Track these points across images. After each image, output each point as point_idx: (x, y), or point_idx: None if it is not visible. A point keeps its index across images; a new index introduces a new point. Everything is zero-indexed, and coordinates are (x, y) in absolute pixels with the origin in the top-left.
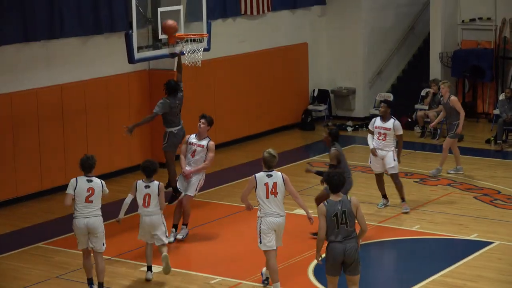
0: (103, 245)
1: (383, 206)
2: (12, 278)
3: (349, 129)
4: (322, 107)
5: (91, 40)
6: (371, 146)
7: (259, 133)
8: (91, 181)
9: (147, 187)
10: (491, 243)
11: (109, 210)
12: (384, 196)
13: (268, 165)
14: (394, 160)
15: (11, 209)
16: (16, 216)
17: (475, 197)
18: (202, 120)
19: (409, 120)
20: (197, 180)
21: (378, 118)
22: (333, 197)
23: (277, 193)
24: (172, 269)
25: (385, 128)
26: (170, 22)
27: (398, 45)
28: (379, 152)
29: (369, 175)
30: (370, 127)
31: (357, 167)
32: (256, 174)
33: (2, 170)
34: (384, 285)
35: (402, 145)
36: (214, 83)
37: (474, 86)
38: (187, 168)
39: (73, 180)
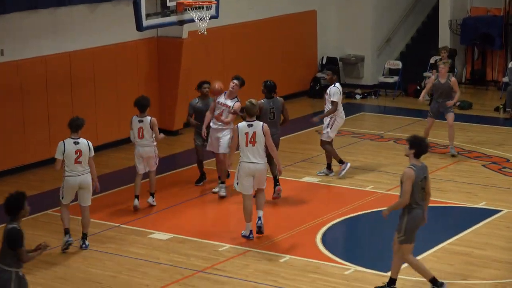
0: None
1: (322, 174)
2: None
3: (358, 97)
4: None
5: (99, 7)
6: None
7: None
8: (77, 143)
9: (140, 121)
10: (499, 211)
11: (119, 176)
12: (328, 165)
13: (249, 113)
14: (328, 127)
15: (20, 177)
16: (25, 184)
17: (483, 165)
18: (235, 81)
19: (418, 87)
20: (227, 137)
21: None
22: (417, 162)
23: (255, 142)
24: (182, 236)
25: (326, 93)
26: None
27: (407, 12)
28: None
29: (378, 143)
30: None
31: (365, 135)
32: (239, 124)
33: (11, 138)
34: (392, 253)
35: (331, 110)
36: (222, 51)
37: (483, 53)
38: (214, 126)
39: (60, 144)
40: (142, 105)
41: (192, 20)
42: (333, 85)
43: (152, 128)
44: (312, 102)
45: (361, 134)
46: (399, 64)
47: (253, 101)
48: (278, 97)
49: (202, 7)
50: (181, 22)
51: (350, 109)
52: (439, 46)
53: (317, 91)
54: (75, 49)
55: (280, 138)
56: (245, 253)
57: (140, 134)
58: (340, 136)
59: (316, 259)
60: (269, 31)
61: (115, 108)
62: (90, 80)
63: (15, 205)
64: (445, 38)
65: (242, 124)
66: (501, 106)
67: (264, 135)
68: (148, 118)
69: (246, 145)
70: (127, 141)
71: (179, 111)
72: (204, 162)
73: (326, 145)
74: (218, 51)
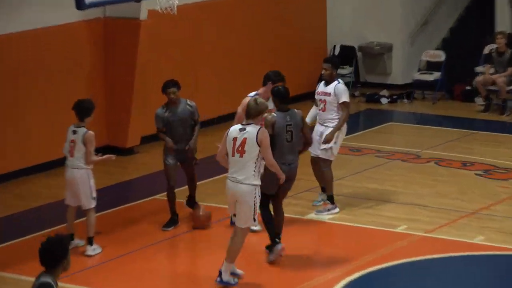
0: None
1: (320, 203)
2: None
3: (384, 101)
4: (346, 70)
5: None
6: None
7: None
8: (75, 132)
9: (74, 132)
10: None
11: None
12: (323, 189)
13: (248, 112)
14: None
15: None
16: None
17: None
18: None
19: (467, 88)
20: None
21: (321, 83)
22: None
23: (244, 152)
24: None
25: (325, 93)
26: None
27: None
28: (318, 127)
29: (413, 165)
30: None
31: (395, 154)
32: (231, 127)
33: None
34: None
35: (345, 117)
36: (197, 36)
37: None
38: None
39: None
40: (82, 109)
41: None
42: (336, 81)
43: (85, 144)
44: None
45: (389, 153)
46: (441, 56)
47: (259, 100)
48: (295, 109)
49: None
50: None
51: (373, 118)
52: (496, 31)
53: None
54: None
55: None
56: None
57: (71, 150)
58: (360, 155)
59: None
60: (262, 11)
61: (44, 118)
62: (11, 77)
63: (57, 253)
64: (504, 19)
65: (234, 128)
66: None
67: (259, 145)
68: (83, 130)
69: (232, 155)
70: (60, 163)
71: (135, 121)
72: (176, 191)
73: (327, 168)
74: (190, 37)
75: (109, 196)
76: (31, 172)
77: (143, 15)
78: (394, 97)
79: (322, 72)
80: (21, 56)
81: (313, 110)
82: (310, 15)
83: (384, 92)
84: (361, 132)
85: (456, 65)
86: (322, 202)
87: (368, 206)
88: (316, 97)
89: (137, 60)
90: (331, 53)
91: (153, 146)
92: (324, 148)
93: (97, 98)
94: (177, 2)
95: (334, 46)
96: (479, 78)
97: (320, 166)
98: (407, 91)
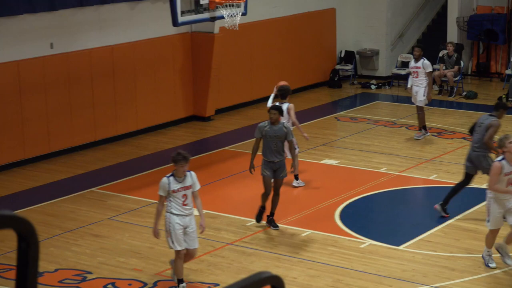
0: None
1: (421, 137)
2: (69, 219)
3: (373, 87)
4: (349, 67)
5: (139, 4)
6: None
7: (292, 90)
8: (181, 181)
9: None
10: None
11: (157, 158)
12: (424, 127)
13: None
14: (424, 95)
15: (68, 158)
16: (72, 164)
17: None
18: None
19: None
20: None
21: (412, 60)
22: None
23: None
24: (213, 212)
25: (417, 67)
26: None
27: (418, 10)
28: (414, 88)
29: (391, 128)
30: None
31: (380, 122)
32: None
33: (59, 122)
34: (404, 229)
35: (431, 82)
36: (250, 45)
37: (488, 48)
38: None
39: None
40: (285, 91)
41: (223, 17)
42: (422, 59)
43: (288, 112)
44: (331, 92)
45: (376, 121)
46: (410, 57)
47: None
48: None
49: (232, 5)
50: (213, 19)
51: (365, 98)
52: (447, 41)
53: (335, 81)
54: (117, 42)
55: (301, 124)
56: (269, 228)
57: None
58: (357, 122)
59: (335, 233)
60: (292, 27)
61: (153, 96)
62: (131, 71)
63: None
64: (453, 33)
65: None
66: (504, 96)
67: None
68: (286, 104)
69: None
70: (164, 126)
71: (211, 100)
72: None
73: (421, 111)
74: (246, 45)
75: (196, 147)
76: (145, 131)
77: (216, 30)
78: (380, 84)
79: (413, 53)
80: (135, 58)
81: (410, 79)
82: (325, 30)
83: (373, 81)
84: (358, 107)
85: None
86: (423, 136)
87: (361, 155)
88: (410, 70)
89: (213, 61)
90: (339, 56)
91: (223, 116)
92: (422, 100)
93: (187, 85)
94: (238, 22)
95: (341, 51)
96: (436, 73)
97: (418, 110)
98: (388, 80)
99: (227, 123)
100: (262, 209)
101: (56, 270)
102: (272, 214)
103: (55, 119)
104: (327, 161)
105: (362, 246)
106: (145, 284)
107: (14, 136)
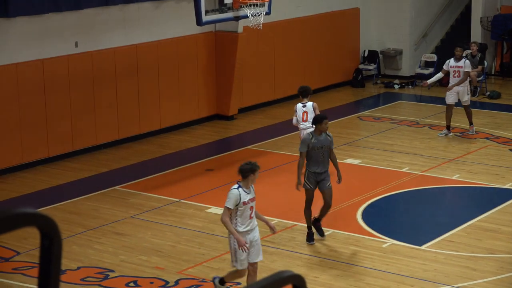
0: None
1: (443, 135)
2: (92, 217)
3: (396, 86)
4: (372, 66)
5: (163, 4)
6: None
7: (315, 89)
8: (304, 106)
9: (303, 106)
10: None
11: (180, 157)
12: (448, 127)
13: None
14: (468, 94)
15: (91, 156)
16: (96, 162)
17: (510, 150)
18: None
19: None
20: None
21: (452, 59)
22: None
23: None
24: None
25: (458, 67)
26: None
27: (442, 10)
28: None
29: (414, 128)
30: (445, 67)
31: (403, 121)
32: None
33: (83, 120)
34: (426, 229)
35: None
36: (273, 44)
37: (511, 48)
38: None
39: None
40: (305, 91)
41: (247, 16)
42: (464, 58)
43: (314, 110)
44: (354, 91)
45: (399, 120)
46: (434, 57)
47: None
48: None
49: (256, 5)
50: (237, 18)
51: (389, 98)
52: (471, 41)
53: (359, 81)
54: (141, 41)
55: None
56: (292, 227)
57: (304, 117)
58: (380, 122)
59: (357, 233)
60: (316, 27)
61: (177, 95)
62: (155, 69)
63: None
64: (476, 33)
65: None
66: None
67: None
68: (310, 103)
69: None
70: (187, 124)
71: (234, 98)
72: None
73: (469, 108)
74: (270, 45)
75: (219, 146)
76: (168, 130)
77: (240, 30)
78: (403, 84)
79: (455, 52)
80: (160, 57)
81: (439, 75)
82: (348, 29)
83: (396, 81)
84: (381, 107)
85: (444, 64)
86: (444, 134)
87: (384, 154)
88: (450, 69)
89: (236, 59)
90: (362, 55)
91: (246, 115)
92: (465, 100)
93: (210, 83)
94: (262, 21)
95: (364, 50)
96: (472, 73)
97: (466, 108)
98: (411, 80)
99: (250, 122)
100: (310, 230)
101: (78, 268)
102: (318, 220)
103: (79, 117)
104: (349, 161)
105: (384, 245)
106: (167, 282)
107: (38, 134)
